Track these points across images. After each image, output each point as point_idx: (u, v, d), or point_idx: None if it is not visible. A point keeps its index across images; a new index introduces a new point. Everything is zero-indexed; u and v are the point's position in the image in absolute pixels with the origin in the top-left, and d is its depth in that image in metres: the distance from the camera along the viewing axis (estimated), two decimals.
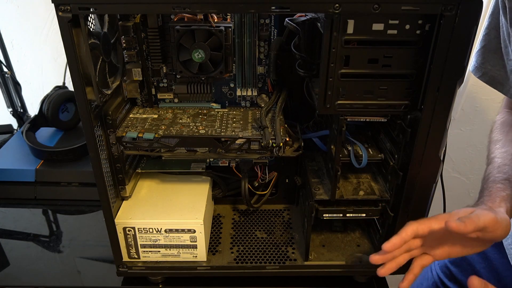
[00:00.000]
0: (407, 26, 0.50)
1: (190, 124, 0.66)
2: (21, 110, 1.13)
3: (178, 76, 0.69)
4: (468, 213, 0.54)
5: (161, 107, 0.72)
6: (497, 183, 0.64)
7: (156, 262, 0.68)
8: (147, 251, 0.67)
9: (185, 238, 0.66)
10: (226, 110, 0.71)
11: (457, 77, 0.50)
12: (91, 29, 0.56)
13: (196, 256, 0.68)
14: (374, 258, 0.57)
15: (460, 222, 0.52)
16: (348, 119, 0.57)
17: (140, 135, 0.62)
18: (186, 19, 0.61)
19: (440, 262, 0.84)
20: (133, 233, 0.65)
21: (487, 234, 0.54)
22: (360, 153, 0.63)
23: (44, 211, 0.88)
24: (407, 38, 0.51)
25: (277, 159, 0.75)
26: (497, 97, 1.18)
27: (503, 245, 0.73)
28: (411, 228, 0.56)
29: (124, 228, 0.65)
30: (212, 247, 0.72)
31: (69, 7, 0.46)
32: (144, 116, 0.68)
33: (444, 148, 0.57)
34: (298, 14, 0.62)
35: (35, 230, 0.83)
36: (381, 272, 0.58)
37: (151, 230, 0.65)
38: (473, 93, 1.21)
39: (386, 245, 0.55)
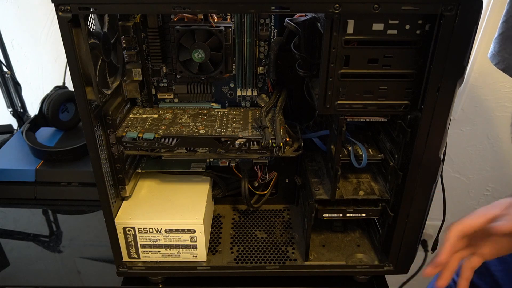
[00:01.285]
0: (407, 26, 0.50)
1: (190, 124, 0.66)
2: (21, 110, 1.13)
3: (178, 76, 0.69)
4: (509, 204, 0.53)
5: (161, 107, 0.72)
6: None
7: (156, 262, 0.68)
8: (147, 251, 0.67)
9: (185, 238, 0.66)
10: (226, 110, 0.71)
11: (457, 77, 0.50)
12: (91, 29, 0.56)
13: (196, 256, 0.68)
14: (428, 271, 0.56)
15: (506, 221, 0.50)
16: (348, 119, 0.57)
17: (140, 135, 0.62)
18: (186, 19, 0.61)
19: None
20: (133, 233, 0.65)
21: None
22: (360, 153, 0.63)
23: (44, 211, 0.88)
24: (407, 38, 0.51)
25: (277, 159, 0.75)
26: (497, 97, 1.18)
27: None
28: (456, 231, 0.55)
29: (124, 228, 0.65)
30: (212, 247, 0.72)
31: (69, 7, 0.46)
32: (144, 116, 0.68)
33: (444, 148, 0.57)
34: (298, 14, 0.62)
35: (35, 230, 0.83)
36: (440, 284, 0.57)
37: (151, 230, 0.65)
38: (473, 93, 1.21)
39: (440, 258, 0.55)
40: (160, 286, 0.70)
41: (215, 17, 0.62)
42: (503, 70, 0.72)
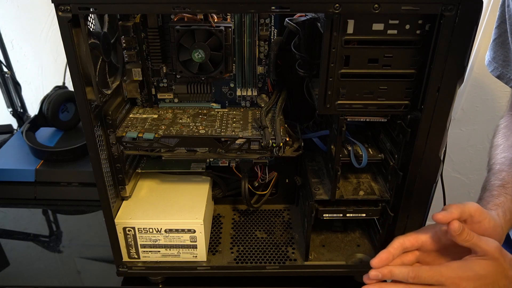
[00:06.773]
0: (407, 26, 0.50)
1: (190, 124, 0.66)
2: (21, 110, 1.13)
3: (178, 76, 0.69)
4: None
5: (161, 107, 0.72)
6: (492, 190, 0.65)
7: (156, 262, 0.68)
8: (147, 251, 0.67)
9: (185, 238, 0.66)
10: (226, 110, 0.71)
11: (457, 77, 0.50)
12: (91, 29, 0.56)
13: (196, 256, 0.68)
14: (372, 274, 0.57)
15: (445, 211, 0.54)
16: (348, 119, 0.57)
17: (140, 135, 0.62)
18: (186, 19, 0.61)
19: None
20: (133, 233, 0.65)
21: (475, 226, 0.55)
22: (360, 153, 0.63)
23: (44, 211, 0.88)
24: (407, 38, 0.51)
25: (277, 159, 0.75)
26: (497, 97, 1.18)
27: None
28: (397, 241, 0.58)
29: (124, 228, 0.65)
30: (212, 247, 0.72)
31: (69, 7, 0.46)
32: (144, 116, 0.68)
33: (444, 148, 0.57)
34: (298, 14, 0.62)
35: (35, 230, 0.83)
36: (367, 281, 0.58)
37: (151, 230, 0.65)
38: (473, 93, 1.21)
39: (374, 261, 0.56)
40: (160, 286, 0.70)
41: (215, 17, 0.62)
42: (497, 77, 0.73)
